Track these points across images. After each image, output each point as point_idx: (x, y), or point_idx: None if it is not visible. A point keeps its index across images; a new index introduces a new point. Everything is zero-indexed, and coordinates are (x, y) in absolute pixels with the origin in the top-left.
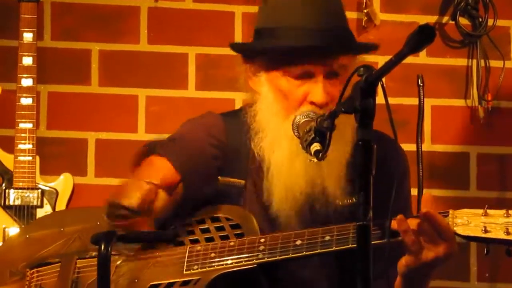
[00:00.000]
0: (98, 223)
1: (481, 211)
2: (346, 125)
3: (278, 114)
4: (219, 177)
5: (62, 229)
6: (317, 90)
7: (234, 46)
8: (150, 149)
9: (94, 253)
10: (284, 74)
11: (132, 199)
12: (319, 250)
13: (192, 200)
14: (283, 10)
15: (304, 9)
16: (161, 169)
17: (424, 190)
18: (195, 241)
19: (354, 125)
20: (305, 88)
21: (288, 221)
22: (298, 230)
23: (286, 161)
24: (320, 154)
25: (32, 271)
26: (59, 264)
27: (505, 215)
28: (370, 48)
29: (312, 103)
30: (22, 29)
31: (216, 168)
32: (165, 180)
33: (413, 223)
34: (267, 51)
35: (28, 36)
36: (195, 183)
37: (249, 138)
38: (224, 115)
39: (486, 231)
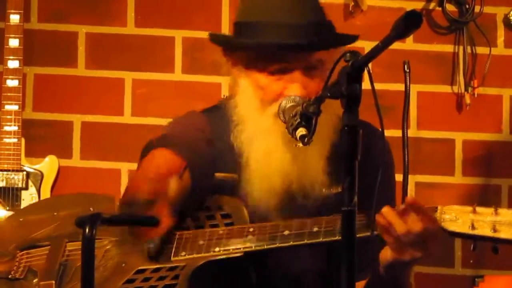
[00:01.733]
0: (91, 208)
1: (469, 208)
2: (326, 120)
3: (256, 108)
4: (215, 174)
5: (55, 214)
6: (294, 85)
7: (214, 39)
8: (147, 149)
9: None
10: (261, 70)
11: (142, 191)
12: (306, 241)
13: (200, 189)
14: (260, 4)
15: (281, 3)
16: (165, 159)
17: (410, 177)
18: (185, 228)
19: (335, 121)
20: (282, 82)
21: (267, 213)
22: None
23: (263, 154)
24: (306, 138)
25: (22, 252)
26: (49, 246)
27: (493, 213)
28: (351, 39)
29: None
30: (9, 10)
31: (211, 161)
32: (172, 168)
33: (395, 217)
34: (244, 48)
35: (15, 18)
36: (198, 170)
37: (230, 131)
38: (206, 111)
39: (473, 227)
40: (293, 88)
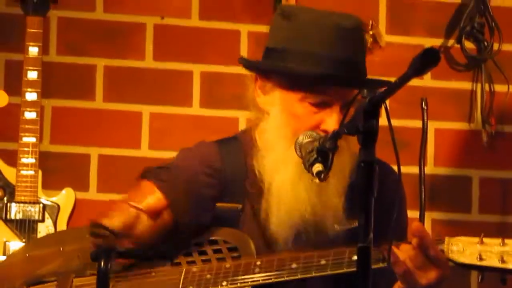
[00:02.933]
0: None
1: (477, 239)
2: (344, 152)
3: (286, 136)
4: (216, 204)
5: (61, 248)
6: (332, 120)
7: (247, 62)
8: (142, 174)
9: (91, 272)
10: (302, 99)
11: (113, 221)
12: (313, 274)
13: (187, 227)
14: (310, 33)
15: (332, 36)
16: (147, 194)
17: (426, 214)
18: (192, 263)
19: (353, 153)
20: (320, 116)
21: (285, 243)
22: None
23: (289, 184)
24: (322, 174)
25: None
26: (56, 282)
27: (500, 244)
28: (384, 83)
29: (325, 131)
30: (28, 43)
31: (211, 197)
32: (150, 205)
33: (405, 249)
34: (292, 74)
35: (33, 50)
36: (186, 210)
37: (250, 157)
38: (219, 142)
39: (481, 258)
40: (331, 122)
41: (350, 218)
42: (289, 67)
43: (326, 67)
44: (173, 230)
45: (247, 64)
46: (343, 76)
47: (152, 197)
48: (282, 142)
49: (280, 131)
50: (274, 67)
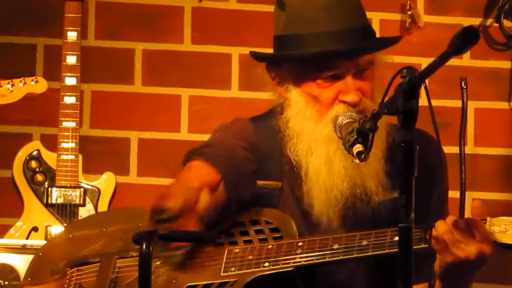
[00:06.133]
0: (140, 224)
1: None
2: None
3: (311, 118)
4: (257, 181)
5: (104, 229)
6: (348, 90)
7: (257, 55)
8: (187, 157)
9: (134, 253)
10: (314, 79)
11: (174, 202)
12: (355, 255)
13: (236, 202)
14: (304, 15)
15: (325, 12)
16: (200, 171)
17: (467, 193)
18: (234, 243)
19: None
20: (335, 88)
21: (331, 223)
22: (341, 232)
23: (323, 163)
24: (363, 155)
25: (72, 270)
26: (99, 263)
27: None
28: (395, 40)
29: (344, 102)
30: (67, 28)
31: (252, 171)
32: (206, 181)
33: (440, 224)
34: (295, 59)
35: (72, 35)
36: (235, 182)
37: (283, 144)
38: (253, 119)
39: None
40: (348, 92)
41: (391, 183)
42: (287, 53)
43: (325, 44)
44: (228, 204)
45: (256, 57)
46: (344, 48)
47: (205, 173)
48: (308, 125)
49: (304, 115)
50: (276, 56)
